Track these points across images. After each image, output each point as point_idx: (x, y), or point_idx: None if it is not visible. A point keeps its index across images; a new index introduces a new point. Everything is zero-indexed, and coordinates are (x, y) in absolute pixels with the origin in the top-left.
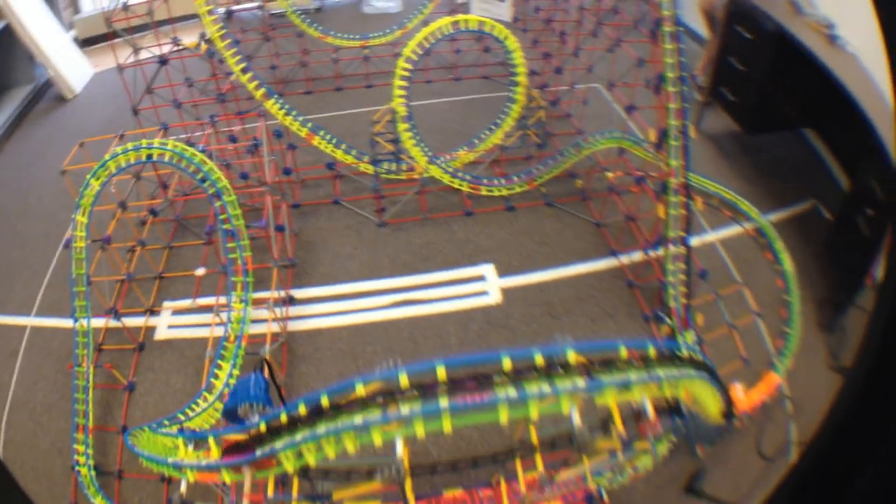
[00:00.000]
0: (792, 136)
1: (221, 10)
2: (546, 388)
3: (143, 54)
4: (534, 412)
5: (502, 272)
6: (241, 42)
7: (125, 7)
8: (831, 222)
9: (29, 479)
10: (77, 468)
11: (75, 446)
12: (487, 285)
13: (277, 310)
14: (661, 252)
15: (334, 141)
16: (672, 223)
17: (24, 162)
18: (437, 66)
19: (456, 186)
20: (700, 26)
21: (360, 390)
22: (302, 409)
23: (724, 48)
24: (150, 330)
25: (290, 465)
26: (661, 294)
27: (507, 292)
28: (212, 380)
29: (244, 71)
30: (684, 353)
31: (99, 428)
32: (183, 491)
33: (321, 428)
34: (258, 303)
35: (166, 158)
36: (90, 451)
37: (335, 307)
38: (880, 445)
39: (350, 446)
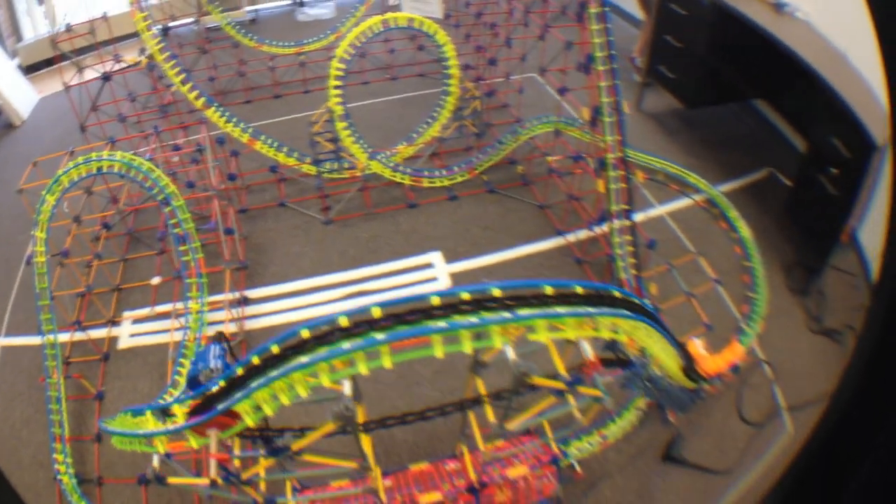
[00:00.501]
0: (741, 107)
1: (158, 26)
2: (473, 319)
3: (88, 73)
4: (467, 346)
5: (450, 258)
6: (180, 56)
7: (69, 28)
8: (791, 187)
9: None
10: (59, 477)
11: (55, 456)
12: (436, 272)
13: (233, 310)
14: (606, 227)
15: (276, 145)
16: (614, 197)
17: None
18: (373, 67)
19: (398, 180)
20: (635, 8)
21: (305, 334)
22: (255, 360)
23: (659, 27)
24: (114, 340)
25: (250, 420)
26: (611, 267)
27: (456, 277)
28: (176, 377)
29: (184, 82)
30: (617, 294)
31: (75, 438)
32: (156, 465)
33: (273, 372)
34: (214, 305)
35: (115, 169)
36: (69, 461)
37: (289, 304)
38: (881, 436)
39: (301, 390)
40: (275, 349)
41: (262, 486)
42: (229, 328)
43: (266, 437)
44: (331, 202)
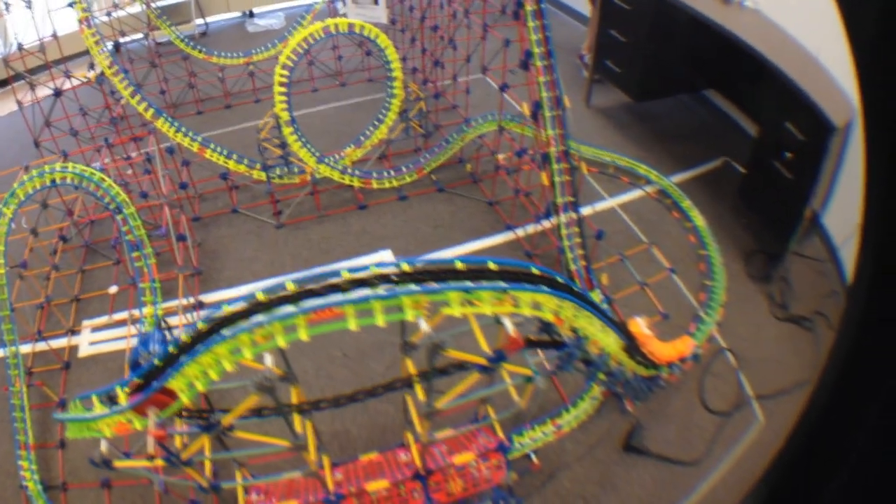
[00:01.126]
0: (693, 98)
1: (109, 43)
2: (382, 291)
3: (41, 91)
4: (379, 318)
5: (400, 256)
6: (131, 71)
7: (20, 48)
8: (744, 173)
9: None
10: (25, 484)
11: (20, 463)
12: (382, 256)
13: (188, 315)
14: (554, 220)
15: (225, 152)
16: (559, 190)
17: None
18: (322, 74)
19: (347, 183)
20: (584, 5)
21: (227, 310)
22: (185, 338)
23: (604, 22)
24: (74, 349)
25: (185, 397)
26: (561, 259)
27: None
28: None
29: (133, 95)
30: (535, 271)
31: (40, 445)
32: (103, 449)
33: (200, 347)
34: (169, 310)
35: (68, 180)
36: (34, 467)
37: (249, 290)
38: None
39: (228, 364)
40: (202, 326)
41: (208, 470)
42: (185, 333)
43: (201, 414)
44: (282, 207)
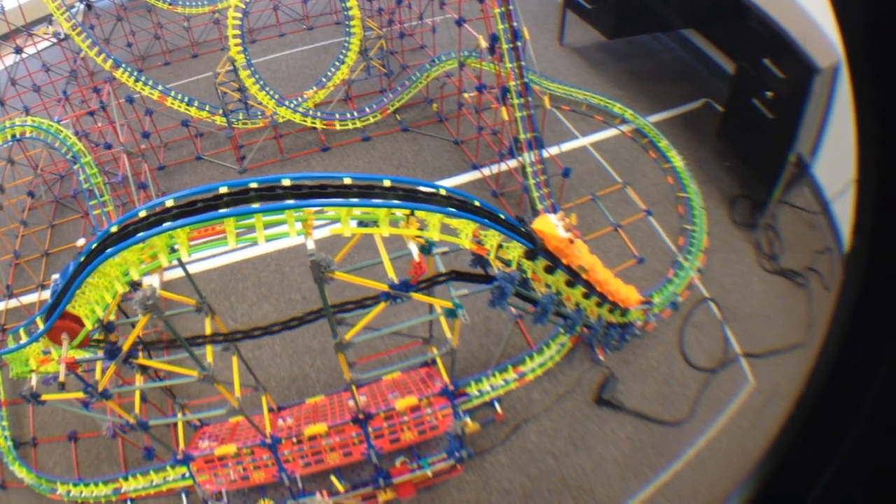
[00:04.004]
0: (672, 38)
1: (81, 2)
2: (255, 205)
3: (8, 58)
4: (260, 235)
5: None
6: (98, 26)
7: None
8: (723, 113)
9: None
10: None
11: None
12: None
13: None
14: (520, 159)
15: (186, 100)
16: (521, 126)
17: None
18: (288, 19)
19: (309, 125)
20: None
21: (113, 229)
22: (82, 259)
23: None
24: (45, 303)
25: (88, 322)
26: (526, 198)
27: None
28: None
29: (91, 47)
30: (442, 192)
31: (11, 402)
32: (33, 383)
33: (90, 266)
34: None
35: (27, 133)
36: (6, 423)
37: (206, 252)
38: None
39: (119, 286)
40: (94, 247)
41: (137, 408)
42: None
43: (104, 342)
44: (245, 152)
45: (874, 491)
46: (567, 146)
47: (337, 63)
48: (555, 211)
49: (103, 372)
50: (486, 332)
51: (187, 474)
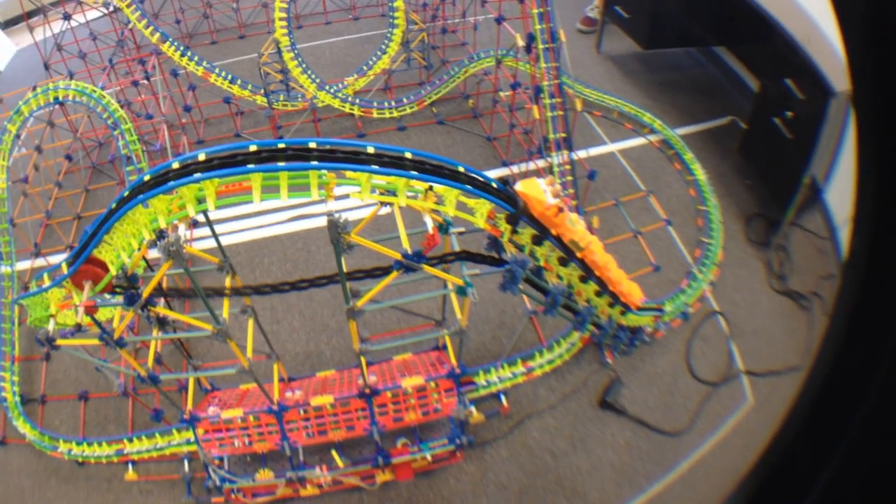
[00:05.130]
0: (703, 53)
1: None
2: (282, 163)
3: (56, 24)
4: (284, 193)
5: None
6: (147, 1)
7: None
8: (746, 130)
9: None
10: (3, 395)
11: (2, 374)
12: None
13: (181, 232)
14: (548, 159)
15: (230, 77)
16: (551, 126)
17: None
18: (336, 8)
19: (347, 111)
20: None
21: (147, 178)
22: (113, 205)
23: None
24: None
25: (113, 267)
26: None
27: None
28: None
29: (139, 19)
30: (461, 169)
31: (25, 358)
32: (49, 328)
33: (119, 212)
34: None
35: (70, 97)
36: (16, 379)
37: (236, 226)
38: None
39: (147, 233)
40: (126, 194)
41: (151, 362)
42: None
43: (124, 289)
44: (283, 132)
45: (869, 497)
46: (595, 151)
47: (378, 53)
48: (579, 213)
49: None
50: (499, 325)
51: (192, 438)
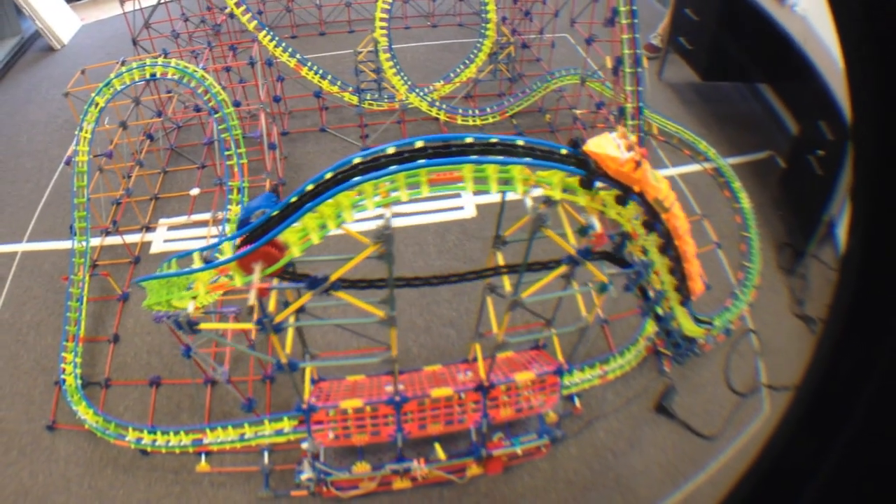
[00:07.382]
0: (750, 89)
1: None
2: (498, 157)
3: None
4: (493, 185)
5: (476, 191)
6: None
7: None
8: (785, 168)
9: (4, 403)
10: (63, 377)
11: (63, 354)
12: (463, 201)
13: None
14: None
15: (321, 72)
16: None
17: (12, 108)
18: (415, 14)
19: (434, 115)
20: None
21: (357, 160)
22: (309, 187)
23: (679, 1)
24: (146, 245)
25: (297, 249)
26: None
27: (480, 207)
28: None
29: (238, 5)
30: (563, 151)
31: (89, 339)
32: (190, 310)
33: (326, 194)
34: None
35: (170, 75)
36: (78, 360)
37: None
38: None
39: (348, 215)
40: (328, 175)
41: (289, 347)
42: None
43: (305, 275)
44: (369, 131)
45: (866, 495)
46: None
47: (466, 62)
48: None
49: (278, 306)
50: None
51: (282, 429)
